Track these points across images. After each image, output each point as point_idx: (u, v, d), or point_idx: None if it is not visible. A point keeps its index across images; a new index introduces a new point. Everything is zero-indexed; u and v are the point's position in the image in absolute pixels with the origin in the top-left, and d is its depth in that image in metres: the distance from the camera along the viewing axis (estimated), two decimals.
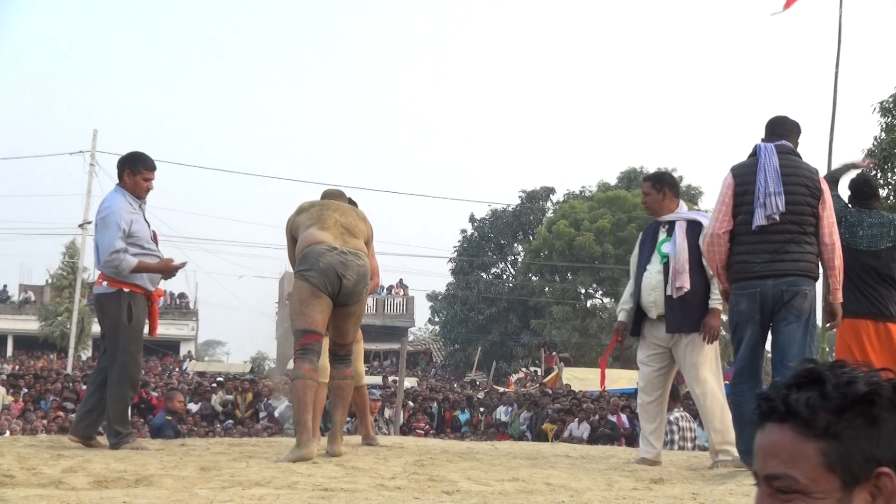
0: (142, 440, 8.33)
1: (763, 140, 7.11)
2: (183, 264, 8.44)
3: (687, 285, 7.59)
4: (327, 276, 7.04)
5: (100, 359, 8.50)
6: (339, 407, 7.52)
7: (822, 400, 1.72)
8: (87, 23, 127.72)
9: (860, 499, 1.71)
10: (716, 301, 7.57)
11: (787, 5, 9.47)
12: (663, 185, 8.06)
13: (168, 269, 8.25)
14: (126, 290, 7.90)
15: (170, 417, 14.72)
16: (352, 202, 7.95)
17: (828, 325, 7.37)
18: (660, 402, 7.93)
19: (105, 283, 7.98)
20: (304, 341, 7.13)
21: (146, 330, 8.27)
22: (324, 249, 7.08)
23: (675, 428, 13.34)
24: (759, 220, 6.77)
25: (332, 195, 7.70)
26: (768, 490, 1.76)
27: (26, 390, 26.61)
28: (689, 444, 13.52)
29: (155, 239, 8.31)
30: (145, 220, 8.20)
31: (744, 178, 6.89)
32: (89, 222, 36.98)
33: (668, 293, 7.70)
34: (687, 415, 14.45)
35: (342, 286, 7.09)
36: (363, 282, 7.22)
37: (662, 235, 7.92)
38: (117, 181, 8.24)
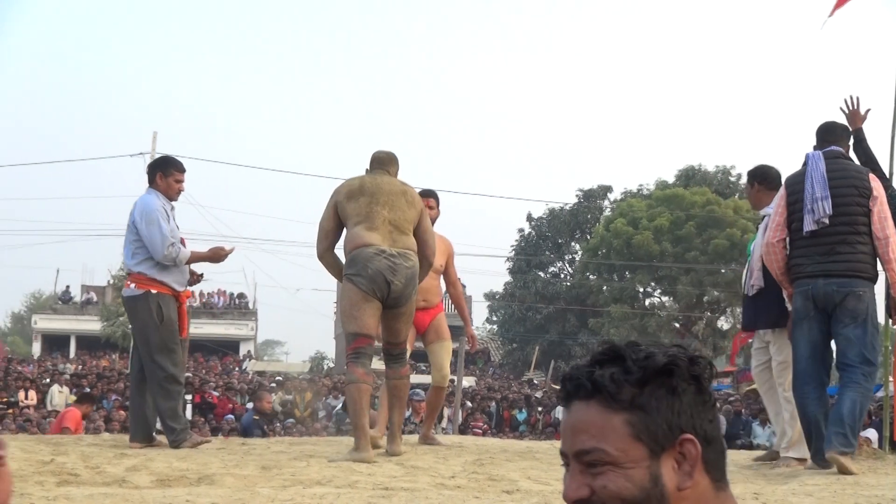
0: (198, 437, 8.37)
1: (815, 147, 7.28)
2: (231, 249, 8.63)
3: (759, 283, 7.69)
4: (375, 282, 7.01)
5: (131, 363, 8.61)
6: (397, 407, 7.47)
7: (625, 374, 1.78)
8: (146, 26, 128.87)
9: (667, 465, 1.77)
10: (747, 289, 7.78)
11: (835, 8, 9.31)
12: (753, 178, 8.20)
13: (219, 255, 8.50)
14: (154, 291, 8.03)
15: (257, 417, 15.02)
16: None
17: (891, 319, 7.45)
18: (768, 396, 7.93)
19: (133, 285, 8.11)
20: (356, 345, 7.12)
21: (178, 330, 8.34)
22: (372, 253, 7.02)
23: None
24: (809, 225, 6.97)
25: (381, 161, 7.49)
26: (579, 467, 1.80)
27: (89, 390, 26.88)
28: None
29: (183, 244, 8.39)
30: (175, 224, 8.32)
31: (794, 187, 7.12)
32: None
33: (744, 291, 7.93)
34: None
35: (391, 290, 7.06)
36: (412, 284, 7.18)
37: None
38: (148, 185, 8.36)
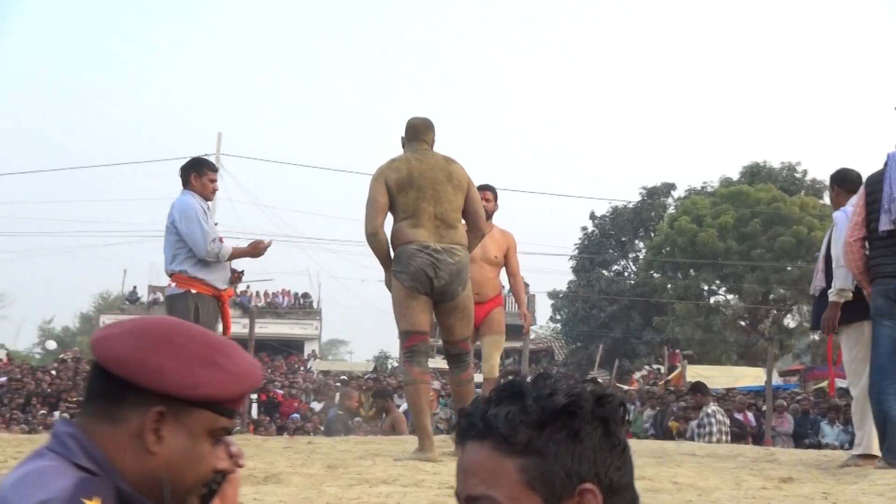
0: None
1: None
2: (270, 243, 8.71)
3: (821, 285, 7.87)
4: (418, 279, 7.02)
5: None
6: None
7: (522, 414, 1.61)
8: (209, 27, 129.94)
9: None
10: (833, 295, 7.59)
11: None
12: (833, 181, 8.19)
13: (259, 249, 8.60)
14: (193, 291, 8.15)
15: (341, 413, 15.92)
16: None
17: None
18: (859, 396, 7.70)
19: (174, 284, 8.24)
20: (410, 343, 7.15)
21: (220, 330, 8.42)
22: (414, 250, 7.03)
23: (712, 420, 14.71)
24: (885, 224, 6.95)
25: (417, 130, 7.43)
26: None
27: None
28: (725, 438, 14.73)
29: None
30: (212, 222, 8.47)
31: (873, 186, 7.10)
32: (215, 224, 37.63)
33: (811, 292, 8.19)
34: (721, 409, 15.85)
35: (434, 286, 7.06)
36: (458, 278, 7.14)
37: None
38: (183, 187, 8.46)
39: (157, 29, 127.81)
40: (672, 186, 53.24)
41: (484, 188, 8.62)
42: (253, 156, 75.85)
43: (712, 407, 15.24)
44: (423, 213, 7.08)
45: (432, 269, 7.00)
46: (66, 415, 23.44)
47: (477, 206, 7.39)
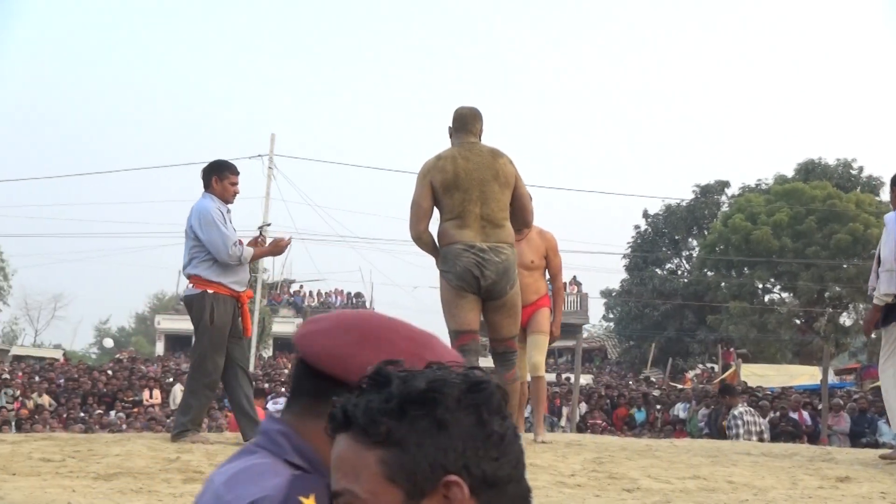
0: (207, 435, 8.53)
1: None
2: (290, 240, 8.95)
3: (873, 284, 7.96)
4: (464, 279, 7.06)
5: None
6: None
7: (383, 403, 1.51)
8: (262, 28, 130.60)
9: None
10: (875, 298, 7.84)
11: None
12: (893, 183, 8.20)
13: (279, 248, 8.87)
14: (210, 291, 8.19)
15: None
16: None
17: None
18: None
19: (191, 285, 8.31)
20: (460, 342, 7.13)
21: (241, 330, 8.49)
22: (460, 250, 7.07)
23: (739, 422, 14.86)
24: None
25: (465, 121, 7.43)
26: None
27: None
28: (755, 437, 14.74)
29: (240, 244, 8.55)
30: (232, 227, 8.47)
31: None
32: (269, 224, 37.75)
33: (868, 291, 8.24)
34: (751, 409, 16.00)
35: (481, 285, 7.09)
36: (505, 277, 7.14)
37: None
38: (204, 189, 8.50)
39: (213, 31, 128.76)
40: (726, 184, 52.91)
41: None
42: (306, 156, 76.20)
43: (740, 408, 15.40)
44: (470, 215, 7.11)
45: (478, 268, 7.03)
46: (121, 414, 23.67)
47: (524, 201, 7.39)
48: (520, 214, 7.37)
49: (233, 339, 8.36)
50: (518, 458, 1.55)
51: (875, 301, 7.80)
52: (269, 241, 9.05)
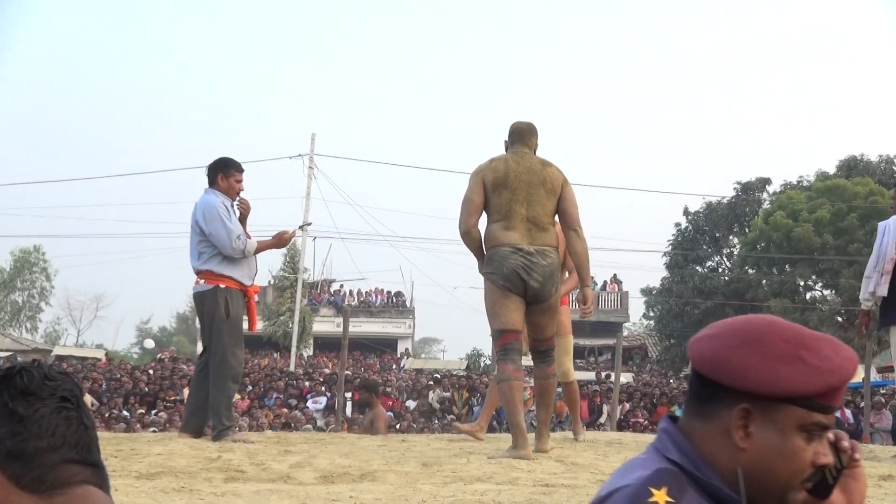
0: (248, 433, 8.57)
1: None
2: (294, 232, 9.03)
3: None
4: (511, 280, 7.08)
5: (199, 357, 8.80)
6: (543, 406, 7.53)
7: None
8: (301, 27, 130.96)
9: None
10: (862, 302, 8.80)
11: None
12: None
13: (283, 240, 8.89)
14: (222, 286, 8.27)
15: None
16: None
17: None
18: None
19: (202, 281, 8.34)
20: (503, 341, 7.18)
21: (246, 325, 8.53)
22: (508, 252, 7.10)
23: None
24: None
25: (521, 134, 7.52)
26: None
27: (251, 388, 27.41)
28: None
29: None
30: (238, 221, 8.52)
31: None
32: (309, 224, 37.93)
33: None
34: None
35: (528, 288, 7.12)
36: (551, 281, 7.19)
37: None
38: (208, 185, 8.58)
39: (252, 31, 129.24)
40: (767, 181, 52.64)
41: None
42: (346, 156, 76.37)
43: None
44: (516, 216, 7.15)
45: (525, 271, 7.07)
46: (163, 413, 23.82)
47: (567, 205, 7.37)
48: (564, 219, 7.40)
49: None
50: (53, 431, 1.60)
51: (862, 306, 8.67)
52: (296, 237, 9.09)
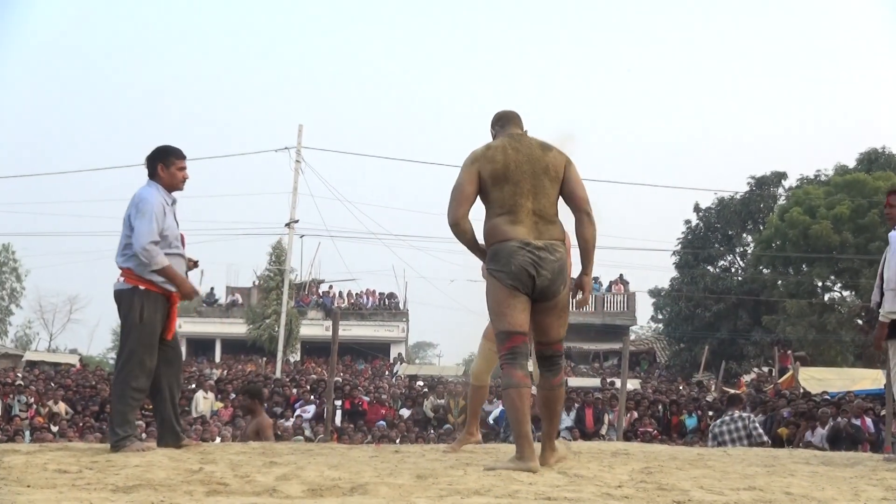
0: (149, 443, 8.47)
1: None
2: (199, 293, 8.61)
3: (875, 299, 9.14)
4: (519, 278, 6.95)
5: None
6: (548, 419, 7.37)
7: None
8: (289, 18, 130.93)
9: None
10: (882, 315, 8.95)
11: None
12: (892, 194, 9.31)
13: (187, 293, 8.50)
14: (142, 287, 8.13)
15: None
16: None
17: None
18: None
19: (122, 279, 8.21)
20: (510, 344, 7.03)
21: (161, 332, 8.37)
22: (515, 248, 6.97)
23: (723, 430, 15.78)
24: None
25: (509, 119, 7.47)
26: None
27: (234, 395, 27.40)
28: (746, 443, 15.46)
29: (182, 241, 8.52)
30: (175, 219, 8.45)
31: None
32: (296, 221, 37.99)
33: (872, 305, 9.34)
34: (745, 415, 16.45)
35: (536, 285, 7.00)
36: (560, 277, 7.07)
37: None
38: (149, 177, 8.46)
39: (233, 15, 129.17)
40: (783, 175, 52.72)
41: None
42: (335, 148, 76.25)
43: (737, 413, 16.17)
44: (522, 209, 7.05)
45: (534, 267, 6.96)
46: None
47: (573, 186, 7.23)
48: (572, 203, 7.24)
49: (163, 342, 8.34)
50: None
51: (881, 318, 8.85)
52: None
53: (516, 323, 7.03)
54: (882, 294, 8.98)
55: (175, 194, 8.58)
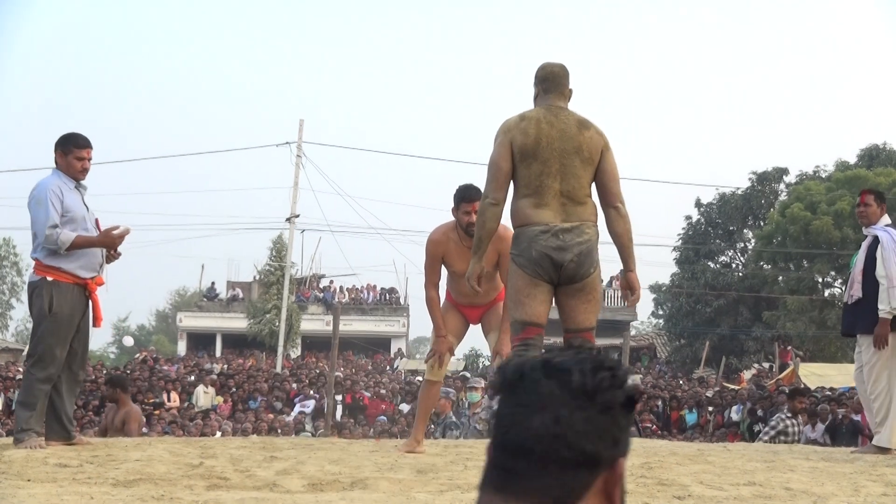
0: (41, 440, 8.13)
1: None
2: (126, 230, 8.34)
3: (857, 294, 9.45)
4: (541, 265, 6.65)
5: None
6: None
7: None
8: (290, 14, 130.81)
9: None
10: (883, 311, 9.12)
11: None
12: (883, 200, 9.87)
13: (110, 241, 8.21)
14: (49, 278, 7.89)
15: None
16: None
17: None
18: (865, 396, 9.51)
19: (33, 271, 8.04)
20: (524, 336, 6.75)
21: (93, 322, 8.22)
22: (537, 232, 6.65)
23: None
24: None
25: (557, 81, 7.07)
26: None
27: (235, 390, 27.40)
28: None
29: (97, 226, 8.27)
30: (84, 204, 8.20)
31: None
32: (297, 216, 37.96)
33: (845, 300, 9.80)
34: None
35: (562, 270, 6.68)
36: (588, 260, 6.73)
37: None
38: (54, 166, 8.24)
39: (236, 13, 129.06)
40: (784, 171, 52.63)
41: (468, 199, 8.10)
42: (336, 143, 76.19)
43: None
44: (549, 191, 6.71)
45: (558, 251, 6.64)
46: (142, 417, 23.81)
47: (606, 178, 6.90)
48: (602, 196, 6.94)
49: (78, 333, 8.11)
50: None
51: (882, 315, 9.10)
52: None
53: (533, 314, 6.75)
54: (863, 291, 9.38)
55: (89, 182, 8.34)
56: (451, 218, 8.29)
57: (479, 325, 8.63)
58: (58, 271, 7.92)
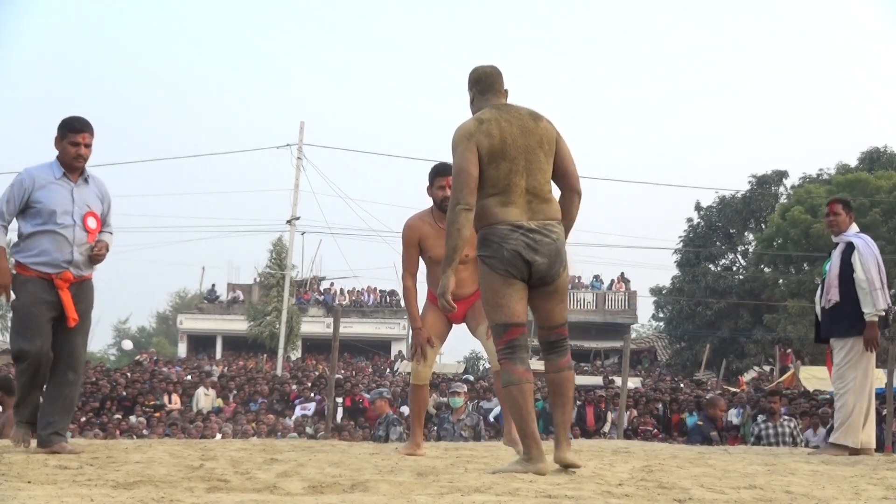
0: (28, 435, 7.76)
1: None
2: (9, 298, 7.71)
3: (835, 298, 9.84)
4: (513, 264, 6.52)
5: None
6: (559, 405, 6.80)
7: None
8: (291, 15, 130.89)
9: None
10: (869, 315, 9.65)
11: None
12: (851, 208, 10.18)
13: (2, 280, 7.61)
14: (14, 271, 7.60)
15: (700, 423, 16.55)
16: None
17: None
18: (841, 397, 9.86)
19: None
20: (508, 337, 6.63)
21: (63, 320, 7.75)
22: (506, 231, 6.52)
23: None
24: None
25: (493, 80, 6.92)
26: None
27: (235, 392, 27.41)
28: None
29: (84, 222, 7.77)
30: (73, 196, 7.74)
31: None
32: (298, 218, 38.00)
33: (821, 304, 10.07)
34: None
35: (532, 270, 6.57)
36: (558, 259, 6.60)
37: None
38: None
39: (236, 15, 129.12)
40: (784, 174, 52.74)
41: (442, 173, 8.28)
42: (337, 145, 76.25)
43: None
44: (515, 189, 6.59)
45: (529, 250, 6.52)
46: (142, 419, 23.83)
47: (566, 162, 6.81)
48: (564, 181, 6.84)
49: (62, 330, 7.68)
50: None
51: (869, 318, 9.61)
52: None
53: (513, 314, 6.62)
54: (840, 295, 9.81)
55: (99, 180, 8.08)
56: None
57: (465, 324, 8.54)
58: (21, 266, 7.59)
